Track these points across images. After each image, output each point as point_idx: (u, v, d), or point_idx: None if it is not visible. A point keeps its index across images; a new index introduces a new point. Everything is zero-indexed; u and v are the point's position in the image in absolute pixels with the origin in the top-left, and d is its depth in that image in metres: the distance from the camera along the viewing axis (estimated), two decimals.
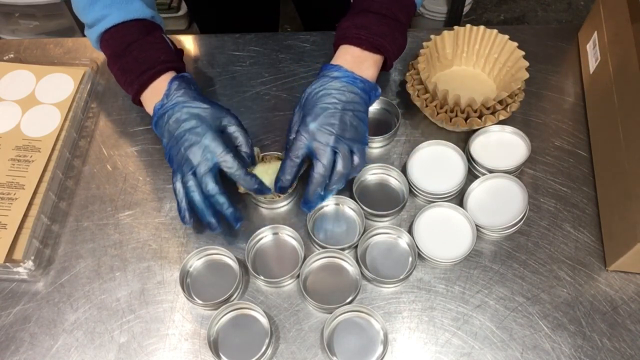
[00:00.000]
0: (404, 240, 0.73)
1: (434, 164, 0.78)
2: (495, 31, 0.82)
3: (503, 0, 2.20)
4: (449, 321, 0.68)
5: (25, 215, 0.75)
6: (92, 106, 0.88)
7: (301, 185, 0.76)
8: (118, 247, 0.75)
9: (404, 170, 0.78)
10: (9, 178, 0.78)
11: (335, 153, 0.69)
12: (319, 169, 0.68)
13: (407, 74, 0.82)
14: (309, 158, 0.71)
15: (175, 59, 0.76)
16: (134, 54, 0.74)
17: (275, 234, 0.75)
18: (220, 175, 0.70)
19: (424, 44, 0.81)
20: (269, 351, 0.66)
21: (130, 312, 0.70)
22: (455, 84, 0.84)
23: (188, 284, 0.71)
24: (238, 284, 0.69)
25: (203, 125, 0.70)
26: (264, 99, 0.87)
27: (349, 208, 0.76)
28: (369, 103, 0.74)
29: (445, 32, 0.82)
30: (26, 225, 0.75)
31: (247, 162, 0.73)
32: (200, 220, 0.71)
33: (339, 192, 0.73)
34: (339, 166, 0.69)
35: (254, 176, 0.70)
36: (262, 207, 0.77)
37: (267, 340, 0.65)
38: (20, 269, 0.72)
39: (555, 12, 2.15)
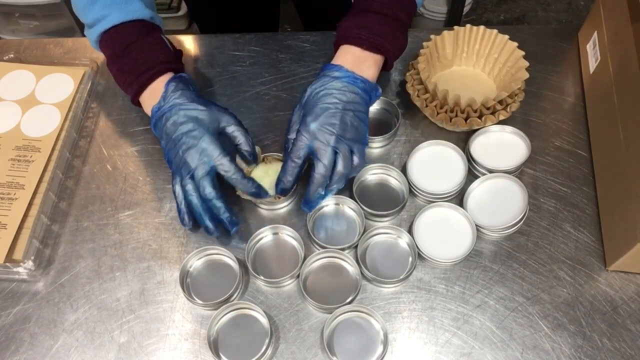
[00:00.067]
0: (404, 240, 0.73)
1: (434, 164, 0.78)
2: (495, 31, 0.82)
3: (503, 0, 2.20)
4: (449, 321, 0.68)
5: (25, 215, 0.75)
6: (92, 106, 0.88)
7: (301, 186, 0.76)
8: (118, 247, 0.75)
9: (404, 170, 0.78)
10: (9, 178, 0.78)
11: (335, 153, 0.69)
12: (320, 169, 0.68)
13: (407, 74, 0.82)
14: (309, 158, 0.71)
15: (174, 59, 0.76)
16: (132, 55, 0.74)
17: (275, 234, 0.75)
18: (219, 179, 0.70)
19: (424, 44, 0.81)
20: (269, 351, 0.66)
21: (130, 312, 0.70)
22: (455, 84, 0.84)
23: (188, 284, 0.71)
24: (238, 284, 0.69)
25: (200, 128, 0.70)
26: (264, 99, 0.87)
27: (349, 208, 0.76)
28: (370, 103, 0.74)
29: (445, 32, 0.82)
30: (26, 225, 0.75)
31: (249, 160, 0.73)
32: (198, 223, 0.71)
33: (339, 192, 0.73)
34: (340, 166, 0.69)
35: (251, 179, 0.70)
36: (262, 208, 0.77)
37: (267, 340, 0.65)
38: (20, 269, 0.72)
39: (555, 12, 2.15)
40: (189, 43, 0.95)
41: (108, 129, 0.86)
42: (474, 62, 0.86)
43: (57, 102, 0.85)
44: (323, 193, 0.70)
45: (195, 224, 0.72)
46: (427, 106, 0.79)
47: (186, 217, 0.71)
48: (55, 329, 0.69)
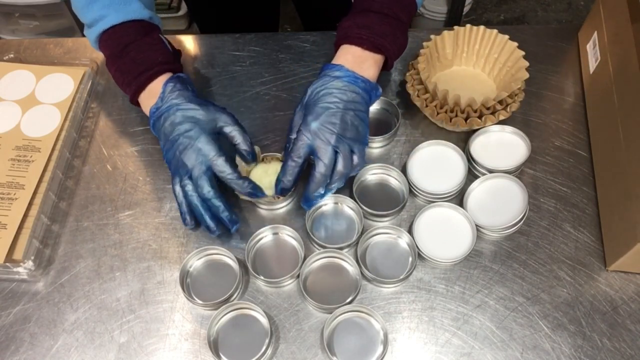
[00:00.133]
0: (404, 240, 0.73)
1: (434, 164, 0.78)
2: (495, 31, 0.82)
3: (503, 0, 2.20)
4: (449, 321, 0.68)
5: (25, 215, 0.75)
6: (92, 106, 0.88)
7: (301, 185, 0.76)
8: (118, 247, 0.75)
9: (404, 170, 0.78)
10: (9, 178, 0.78)
11: (336, 152, 0.69)
12: (321, 169, 0.69)
13: (407, 74, 0.82)
14: (309, 158, 0.71)
15: (172, 60, 0.76)
16: (131, 55, 0.74)
17: (275, 234, 0.75)
18: (217, 178, 0.70)
19: (424, 44, 0.81)
20: (269, 351, 0.66)
21: (130, 312, 0.70)
22: (455, 84, 0.84)
23: (188, 284, 0.71)
24: (238, 284, 0.69)
25: (196, 128, 0.70)
26: (264, 99, 0.87)
27: (348, 207, 0.76)
28: (370, 103, 0.74)
29: (445, 32, 0.82)
30: (26, 225, 0.75)
31: (248, 160, 0.73)
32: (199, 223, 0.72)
33: (338, 191, 0.73)
34: (340, 166, 0.69)
35: (247, 179, 0.71)
36: (262, 208, 0.77)
37: (267, 340, 0.65)
38: (20, 269, 0.72)
39: (555, 12, 2.15)
40: (189, 43, 0.95)
41: (108, 129, 0.86)
42: (474, 62, 0.86)
43: (57, 102, 0.85)
44: (323, 192, 0.71)
45: (197, 223, 0.73)
46: (427, 106, 0.79)
47: (188, 217, 0.72)
48: (55, 329, 0.69)
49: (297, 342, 0.67)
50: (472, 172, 0.79)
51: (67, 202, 0.79)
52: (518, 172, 0.79)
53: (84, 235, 0.76)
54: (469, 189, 0.76)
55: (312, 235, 0.72)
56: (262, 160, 0.77)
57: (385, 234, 0.74)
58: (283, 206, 0.77)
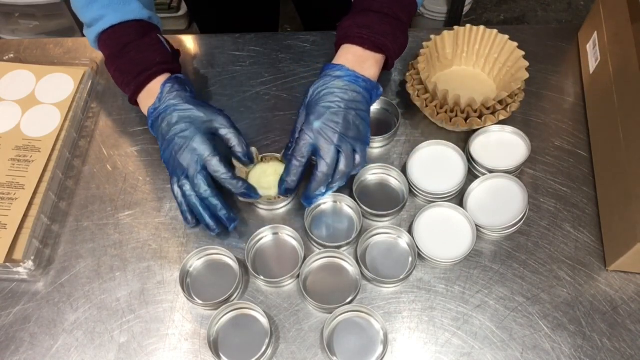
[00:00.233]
0: (404, 240, 0.73)
1: (434, 164, 0.78)
2: (495, 31, 0.82)
3: (503, 0, 2.20)
4: (449, 321, 0.68)
5: (25, 215, 0.75)
6: (92, 106, 0.88)
7: (301, 185, 0.76)
8: (118, 247, 0.75)
9: (404, 170, 0.78)
10: (9, 178, 0.78)
11: (338, 152, 0.69)
12: (323, 168, 0.69)
13: (407, 74, 0.82)
14: (312, 158, 0.71)
15: (171, 60, 0.77)
16: (130, 55, 0.74)
17: (275, 234, 0.75)
18: (213, 178, 0.71)
19: (424, 44, 0.81)
20: (269, 351, 0.66)
21: (130, 312, 0.70)
22: (455, 84, 0.84)
23: (188, 284, 0.71)
24: (238, 284, 0.69)
25: (192, 128, 0.71)
26: (264, 99, 0.87)
27: (347, 206, 0.76)
28: (371, 102, 0.74)
29: (445, 32, 0.82)
30: (26, 225, 0.75)
31: (245, 162, 0.74)
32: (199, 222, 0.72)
33: (338, 190, 0.73)
34: (342, 165, 0.69)
35: (241, 180, 0.71)
36: (261, 208, 0.77)
37: (267, 340, 0.65)
38: (20, 269, 0.72)
39: (555, 12, 2.15)
40: (189, 43, 0.95)
41: (108, 129, 0.86)
42: (474, 62, 0.86)
43: (57, 102, 0.85)
44: (324, 190, 0.71)
45: (198, 221, 0.73)
46: (427, 106, 0.79)
47: (189, 216, 0.73)
48: (55, 329, 0.69)
49: (297, 342, 0.67)
50: (472, 172, 0.79)
51: (67, 202, 0.79)
52: (518, 172, 0.79)
53: (84, 235, 0.76)
54: (469, 189, 0.76)
55: (310, 234, 0.72)
56: (261, 160, 0.77)
57: (385, 234, 0.74)
58: (283, 206, 0.77)
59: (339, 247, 0.72)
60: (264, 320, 0.67)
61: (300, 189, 0.73)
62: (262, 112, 0.86)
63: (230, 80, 0.90)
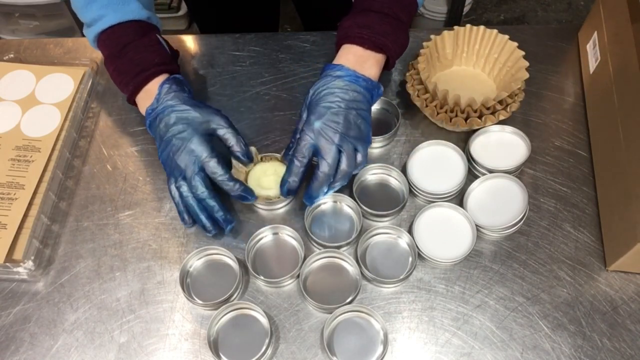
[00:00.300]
0: (404, 240, 0.73)
1: (434, 164, 0.78)
2: (495, 31, 0.82)
3: (503, 0, 2.20)
4: (449, 321, 0.68)
5: (25, 215, 0.75)
6: (92, 106, 0.88)
7: (302, 184, 0.76)
8: (118, 247, 0.75)
9: (404, 170, 0.78)
10: (9, 178, 0.78)
11: (340, 152, 0.69)
12: (324, 168, 0.69)
13: (407, 74, 0.82)
14: (313, 156, 0.71)
15: (169, 61, 0.77)
16: (129, 56, 0.74)
17: (275, 234, 0.75)
18: (211, 179, 0.71)
19: (424, 44, 0.81)
20: (269, 351, 0.66)
21: (130, 312, 0.70)
22: (455, 84, 0.84)
23: (188, 284, 0.71)
24: (238, 284, 0.69)
25: (189, 129, 0.71)
26: (264, 99, 0.87)
27: (347, 206, 0.76)
28: (372, 102, 0.74)
29: (445, 32, 0.82)
30: (26, 225, 0.75)
31: (244, 161, 0.74)
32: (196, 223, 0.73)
33: (338, 190, 0.73)
34: (344, 164, 0.69)
35: (238, 181, 0.71)
36: (260, 209, 0.77)
37: (267, 340, 0.65)
38: (20, 269, 0.72)
39: (555, 12, 2.15)
40: (189, 43, 0.95)
41: (108, 129, 0.86)
42: (474, 62, 0.86)
43: (57, 102, 0.85)
44: (326, 190, 0.71)
45: (195, 221, 0.73)
46: (427, 106, 0.79)
47: (186, 217, 0.73)
48: (55, 329, 0.69)
49: (297, 342, 0.67)
50: (472, 172, 0.79)
51: (67, 202, 0.79)
52: (518, 172, 0.79)
53: (84, 235, 0.76)
54: (469, 189, 0.76)
55: (310, 234, 0.72)
56: (261, 160, 0.77)
57: (385, 234, 0.74)
58: (282, 206, 0.77)
59: (339, 247, 0.72)
60: (264, 320, 0.67)
61: (300, 189, 0.73)
62: (262, 112, 0.86)
63: (230, 80, 0.90)
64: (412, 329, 0.68)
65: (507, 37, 0.81)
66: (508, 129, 0.79)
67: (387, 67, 0.77)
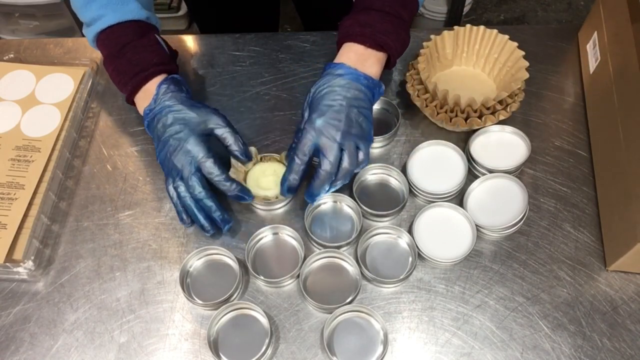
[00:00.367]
0: (404, 240, 0.73)
1: (434, 164, 0.78)
2: (495, 31, 0.82)
3: (503, 0, 2.20)
4: (449, 321, 0.68)
5: (25, 215, 0.75)
6: (92, 106, 0.88)
7: (303, 184, 0.76)
8: (118, 247, 0.75)
9: (404, 170, 0.78)
10: (9, 178, 0.78)
11: (341, 150, 0.69)
12: (326, 166, 0.69)
13: (407, 74, 0.82)
14: (314, 156, 0.71)
15: (168, 61, 0.77)
16: (128, 56, 0.75)
17: (275, 234, 0.75)
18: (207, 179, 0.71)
19: (424, 44, 0.81)
20: (269, 351, 0.66)
21: (130, 312, 0.70)
22: (455, 84, 0.84)
23: (188, 284, 0.71)
24: (238, 284, 0.69)
25: (186, 129, 0.71)
26: (264, 99, 0.87)
27: (347, 206, 0.76)
28: (373, 100, 0.74)
29: (445, 32, 0.82)
30: (26, 225, 0.74)
31: (243, 160, 0.74)
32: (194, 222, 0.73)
33: (338, 190, 0.73)
34: (345, 163, 0.69)
35: (234, 181, 0.71)
36: (259, 209, 0.77)
37: (267, 340, 0.65)
38: (20, 269, 0.72)
39: (555, 12, 2.15)
40: (189, 43, 0.95)
41: (108, 129, 0.86)
42: (474, 62, 0.86)
43: (57, 102, 0.85)
44: (327, 188, 0.71)
45: (194, 221, 0.73)
46: (427, 106, 0.79)
47: (184, 217, 0.73)
48: (55, 329, 0.69)
49: (297, 342, 0.67)
50: (472, 172, 0.79)
51: (67, 202, 0.79)
52: (518, 172, 0.79)
53: (84, 235, 0.76)
54: (469, 189, 0.76)
55: (310, 234, 0.72)
56: (260, 160, 0.77)
57: (385, 234, 0.74)
58: (281, 206, 0.77)
59: (339, 247, 0.72)
60: (264, 320, 0.67)
61: (299, 190, 0.73)
62: (262, 112, 0.86)
63: (230, 80, 0.90)
64: (412, 329, 0.68)
65: (507, 37, 0.81)
66: (508, 129, 0.79)
67: (388, 66, 0.77)
